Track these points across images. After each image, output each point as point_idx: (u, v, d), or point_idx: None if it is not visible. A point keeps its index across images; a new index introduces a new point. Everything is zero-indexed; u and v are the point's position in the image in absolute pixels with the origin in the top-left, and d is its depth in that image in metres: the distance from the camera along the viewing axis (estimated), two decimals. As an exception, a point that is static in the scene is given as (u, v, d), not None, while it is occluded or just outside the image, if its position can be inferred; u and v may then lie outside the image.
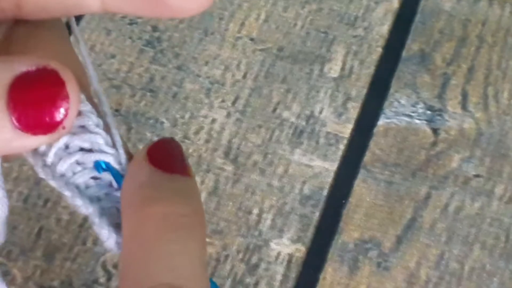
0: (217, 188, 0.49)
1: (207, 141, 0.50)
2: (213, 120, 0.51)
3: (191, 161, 0.49)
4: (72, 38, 0.29)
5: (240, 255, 0.47)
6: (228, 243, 0.47)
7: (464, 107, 0.52)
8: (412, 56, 0.53)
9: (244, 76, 0.52)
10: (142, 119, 0.51)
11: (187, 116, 0.51)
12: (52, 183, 0.27)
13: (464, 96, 0.52)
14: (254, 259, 0.47)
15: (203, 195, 0.48)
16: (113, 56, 0.53)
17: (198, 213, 0.27)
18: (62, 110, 0.25)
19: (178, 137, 0.50)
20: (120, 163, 0.28)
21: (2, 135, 0.24)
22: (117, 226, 0.27)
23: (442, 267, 0.47)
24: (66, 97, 0.25)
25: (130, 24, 0.54)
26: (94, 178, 0.28)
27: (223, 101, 0.52)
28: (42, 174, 0.27)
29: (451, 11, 0.55)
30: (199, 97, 0.52)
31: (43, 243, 0.47)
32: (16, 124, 0.24)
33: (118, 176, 0.28)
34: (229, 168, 0.49)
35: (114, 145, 0.28)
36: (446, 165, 0.50)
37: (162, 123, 0.51)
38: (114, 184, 0.28)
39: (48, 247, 0.47)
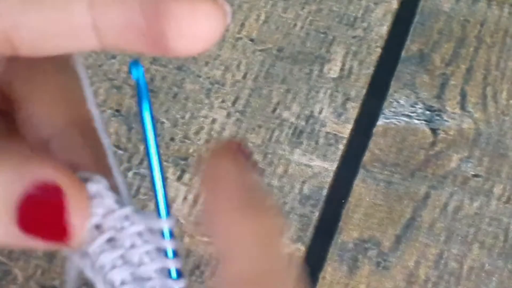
0: (217, 188, 0.49)
1: (207, 141, 0.50)
2: (213, 120, 0.51)
3: (191, 161, 0.50)
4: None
5: (240, 255, 0.47)
6: (228, 242, 0.47)
7: (463, 107, 0.52)
8: (411, 56, 0.53)
9: (244, 77, 0.53)
10: (143, 119, 0.51)
11: (187, 116, 0.51)
12: (94, 278, 0.26)
13: (463, 96, 0.52)
14: (254, 259, 0.47)
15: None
16: (113, 57, 0.53)
17: None
18: (64, 223, 0.25)
19: (178, 137, 0.50)
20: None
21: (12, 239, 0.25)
22: None
23: (441, 266, 0.47)
24: (67, 210, 0.25)
25: (131, 24, 0.54)
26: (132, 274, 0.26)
27: (223, 101, 0.52)
28: (89, 272, 0.26)
29: (450, 12, 0.55)
30: (199, 97, 0.52)
31: (44, 242, 0.47)
32: (25, 233, 0.25)
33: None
34: (229, 168, 0.49)
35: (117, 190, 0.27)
36: (445, 165, 0.50)
37: (162, 123, 0.51)
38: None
39: (49, 247, 0.47)
